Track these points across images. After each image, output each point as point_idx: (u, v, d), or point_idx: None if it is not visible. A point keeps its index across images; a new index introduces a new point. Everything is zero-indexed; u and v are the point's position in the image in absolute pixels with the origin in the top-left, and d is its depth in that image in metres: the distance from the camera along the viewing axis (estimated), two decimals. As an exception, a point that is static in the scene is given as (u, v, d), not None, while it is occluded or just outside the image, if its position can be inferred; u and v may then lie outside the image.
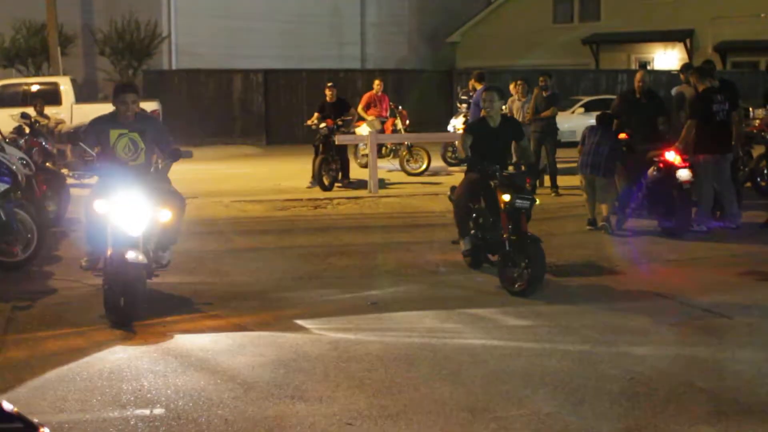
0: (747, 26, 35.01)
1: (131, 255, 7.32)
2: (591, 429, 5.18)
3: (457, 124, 18.48)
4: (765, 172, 14.78)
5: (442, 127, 21.10)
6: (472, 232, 9.31)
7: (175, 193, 8.29)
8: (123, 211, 7.47)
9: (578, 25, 38.73)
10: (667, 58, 37.15)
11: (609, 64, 37.12)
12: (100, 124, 8.24)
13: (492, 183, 8.98)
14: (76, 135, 9.58)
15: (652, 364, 6.32)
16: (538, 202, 9.05)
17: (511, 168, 9.12)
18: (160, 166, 8.42)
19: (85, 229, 8.17)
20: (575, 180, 12.50)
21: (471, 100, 17.79)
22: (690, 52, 35.97)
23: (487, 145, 9.25)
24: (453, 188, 9.86)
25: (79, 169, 8.58)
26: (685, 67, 13.90)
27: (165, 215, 7.95)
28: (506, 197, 8.63)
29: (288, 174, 19.13)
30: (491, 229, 9.09)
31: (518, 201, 8.58)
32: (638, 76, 12.51)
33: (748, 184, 14.79)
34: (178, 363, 6.45)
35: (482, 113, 9.69)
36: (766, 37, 34.54)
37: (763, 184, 14.73)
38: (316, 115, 17.20)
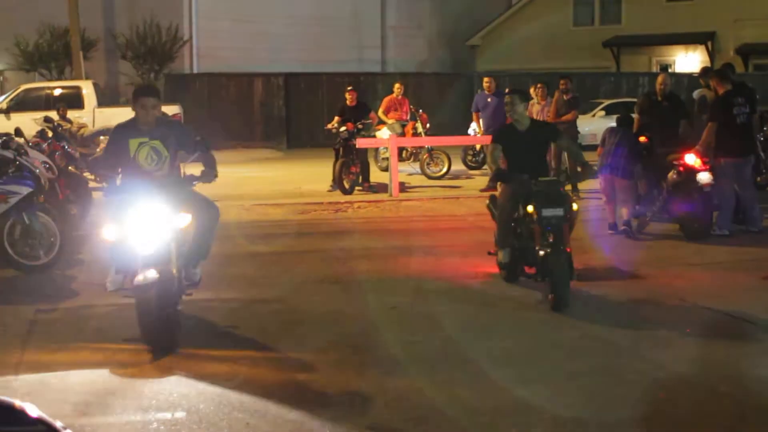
0: (769, 29, 34.81)
1: (140, 278, 6.70)
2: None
3: (476, 128, 18.44)
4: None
5: (463, 130, 21.06)
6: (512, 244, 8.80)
7: (206, 202, 7.53)
8: (139, 230, 6.86)
9: (599, 27, 38.58)
10: (689, 60, 36.97)
11: (630, 67, 36.97)
12: (118, 134, 7.58)
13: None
14: (94, 164, 9.45)
15: (674, 370, 6.30)
16: (575, 207, 8.42)
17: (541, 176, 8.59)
18: (184, 174, 7.87)
19: (109, 247, 7.39)
20: (596, 183, 12.47)
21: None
22: (711, 55, 35.79)
23: (519, 151, 8.79)
24: (493, 198, 9.28)
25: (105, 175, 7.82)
26: (704, 72, 13.85)
27: (190, 223, 7.28)
28: (529, 208, 8.27)
29: (309, 177, 19.16)
30: (531, 239, 8.52)
31: (544, 211, 8.10)
32: (660, 78, 12.48)
33: (771, 188, 14.72)
34: (199, 367, 6.48)
35: (507, 120, 9.59)
36: (789, 39, 34.34)
37: (785, 187, 14.64)
38: (336, 118, 17.23)
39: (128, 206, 7.01)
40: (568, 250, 8.05)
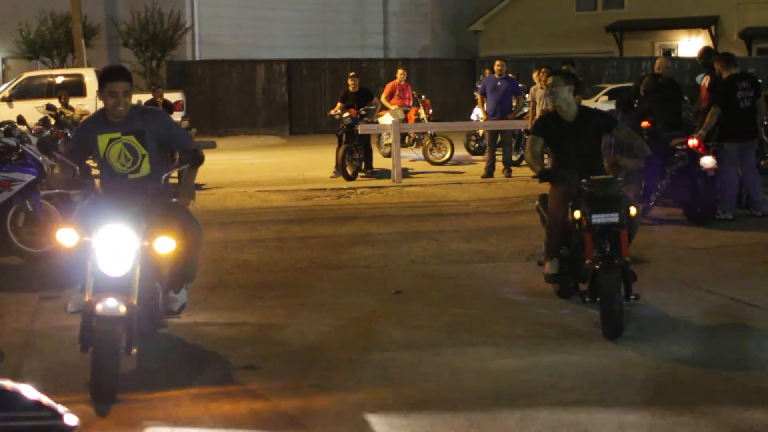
0: (773, 12, 34.71)
1: (108, 304, 5.43)
2: (616, 418, 5.17)
3: (480, 113, 18.41)
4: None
5: (466, 116, 21.06)
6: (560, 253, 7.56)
7: (189, 219, 6.31)
8: (106, 244, 5.62)
9: (602, 12, 38.51)
10: (692, 45, 36.86)
11: (632, 52, 36.87)
12: (83, 130, 6.49)
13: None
14: (46, 143, 7.89)
15: (677, 353, 6.29)
16: (634, 212, 7.01)
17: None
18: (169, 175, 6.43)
19: (69, 262, 6.20)
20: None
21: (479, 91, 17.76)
22: (715, 39, 35.69)
23: (566, 146, 7.46)
24: (543, 198, 7.90)
25: (60, 187, 6.85)
26: (706, 53, 13.76)
27: (167, 246, 5.82)
28: (576, 214, 6.99)
29: (311, 164, 19.15)
30: (577, 249, 7.28)
31: (595, 217, 6.84)
32: (659, 62, 12.57)
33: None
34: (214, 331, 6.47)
35: (550, 106, 8.78)
36: (792, 23, 34.24)
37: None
38: (339, 104, 17.22)
39: (96, 211, 5.93)
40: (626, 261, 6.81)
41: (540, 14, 37.92)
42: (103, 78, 6.15)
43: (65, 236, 5.72)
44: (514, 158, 17.80)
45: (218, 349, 6.58)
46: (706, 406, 5.32)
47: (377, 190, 15.30)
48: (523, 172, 17.09)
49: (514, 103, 17.16)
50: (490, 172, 16.67)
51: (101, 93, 6.17)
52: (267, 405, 5.49)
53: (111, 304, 5.40)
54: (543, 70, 16.38)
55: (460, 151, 19.74)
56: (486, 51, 37.49)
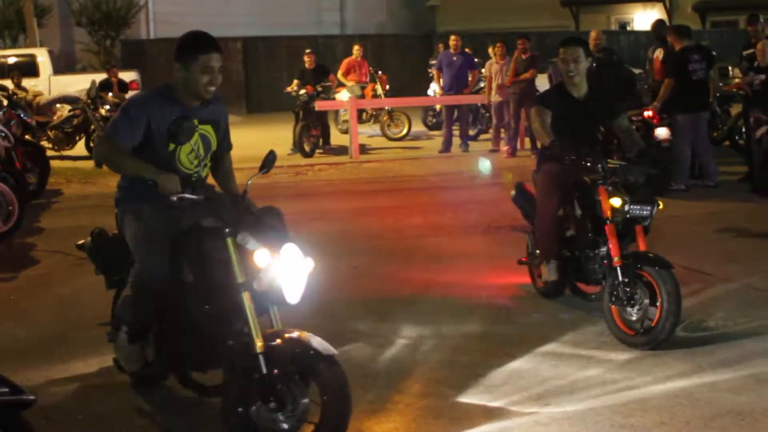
0: (726, -15, 35.01)
1: (319, 342, 4.28)
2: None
3: (436, 88, 18.45)
4: (743, 130, 14.86)
5: (423, 91, 21.06)
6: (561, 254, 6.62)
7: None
8: (288, 267, 4.41)
9: (558, -14, 38.59)
10: (647, 18, 37.10)
11: (589, 26, 36.84)
12: (147, 108, 4.78)
13: (588, 179, 6.31)
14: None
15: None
16: (661, 206, 6.19)
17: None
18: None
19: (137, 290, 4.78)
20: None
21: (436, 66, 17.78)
22: (669, 12, 35.94)
23: (572, 125, 6.50)
24: (521, 187, 7.14)
25: (174, 190, 4.58)
26: (659, 26, 13.91)
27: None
28: (616, 202, 6.02)
29: (269, 141, 18.99)
30: (587, 246, 6.41)
31: (634, 208, 6.02)
32: (593, 34, 12.88)
33: (727, 143, 14.91)
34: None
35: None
36: (745, -4, 34.54)
37: (741, 142, 14.80)
38: (295, 81, 17.16)
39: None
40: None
41: (497, -11, 37.91)
42: (194, 48, 4.81)
43: (263, 257, 4.37)
44: (471, 132, 17.89)
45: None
46: (655, 369, 5.43)
47: (334, 166, 15.32)
48: (481, 146, 17.20)
49: (470, 78, 17.21)
50: (447, 146, 16.75)
51: (185, 67, 4.79)
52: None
53: (318, 342, 4.30)
54: (499, 44, 16.46)
55: (418, 127, 19.79)
56: (443, 26, 37.43)
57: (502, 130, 16.40)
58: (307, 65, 17.28)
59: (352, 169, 15.12)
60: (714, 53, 12.40)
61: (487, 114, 18.00)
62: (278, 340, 4.31)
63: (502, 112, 16.18)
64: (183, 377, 5.07)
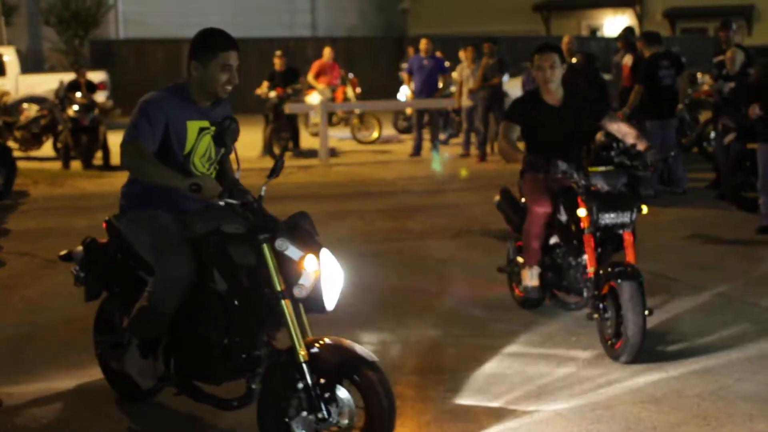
0: (696, -8, 35.32)
1: (361, 349, 4.32)
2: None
3: (407, 92, 18.45)
4: (711, 137, 14.97)
5: (393, 94, 21.07)
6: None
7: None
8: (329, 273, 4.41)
9: (529, -9, 38.78)
10: (617, 24, 37.34)
11: (560, 31, 37.10)
12: (163, 109, 4.61)
13: (574, 184, 6.11)
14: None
15: (592, 326, 6.33)
16: (645, 211, 6.10)
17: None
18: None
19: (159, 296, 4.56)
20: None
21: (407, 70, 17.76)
22: (640, 18, 36.22)
23: (548, 134, 6.33)
24: (505, 193, 6.98)
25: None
26: (629, 32, 13.96)
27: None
28: (581, 212, 5.94)
29: (239, 144, 18.84)
30: (570, 254, 6.29)
31: (608, 216, 5.89)
32: (565, 39, 12.97)
33: (695, 149, 15.02)
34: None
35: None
36: (715, 3, 34.84)
37: (709, 149, 14.92)
38: (265, 83, 17.10)
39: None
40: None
41: (468, -7, 38.01)
42: (213, 45, 4.68)
43: (311, 264, 4.32)
44: (442, 137, 17.92)
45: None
46: (607, 363, 5.46)
47: (304, 169, 15.28)
48: (451, 150, 17.23)
49: (440, 83, 17.24)
50: (417, 150, 16.77)
51: (203, 64, 4.66)
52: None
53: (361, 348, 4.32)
54: (469, 48, 16.50)
55: (388, 130, 19.80)
56: (414, 29, 37.50)
57: (473, 134, 16.45)
58: (277, 67, 17.22)
59: (322, 172, 15.09)
60: (683, 60, 12.48)
61: (458, 118, 18.05)
62: (320, 348, 4.24)
63: (473, 116, 16.22)
64: (194, 392, 4.73)
